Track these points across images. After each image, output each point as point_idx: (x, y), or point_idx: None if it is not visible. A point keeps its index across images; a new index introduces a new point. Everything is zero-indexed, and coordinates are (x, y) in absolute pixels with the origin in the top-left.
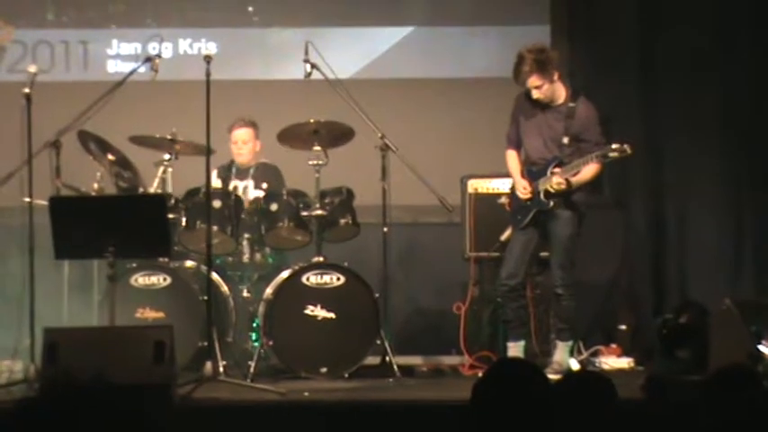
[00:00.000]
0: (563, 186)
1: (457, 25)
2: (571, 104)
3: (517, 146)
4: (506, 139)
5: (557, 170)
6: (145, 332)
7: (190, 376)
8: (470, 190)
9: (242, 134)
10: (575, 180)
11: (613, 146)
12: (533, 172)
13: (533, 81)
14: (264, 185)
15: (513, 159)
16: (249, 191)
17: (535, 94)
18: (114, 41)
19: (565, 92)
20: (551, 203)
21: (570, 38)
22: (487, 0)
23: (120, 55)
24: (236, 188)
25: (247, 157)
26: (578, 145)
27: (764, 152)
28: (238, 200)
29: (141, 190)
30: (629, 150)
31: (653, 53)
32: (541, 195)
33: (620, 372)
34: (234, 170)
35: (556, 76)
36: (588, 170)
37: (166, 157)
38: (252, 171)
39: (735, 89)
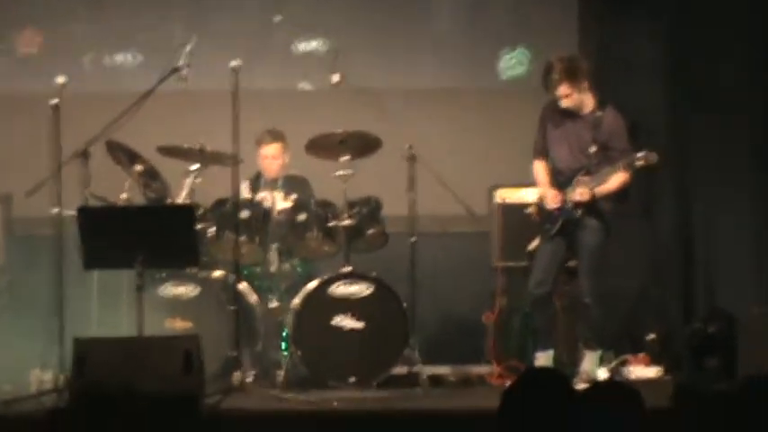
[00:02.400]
0: (586, 197)
1: (485, 39)
2: (599, 113)
3: (545, 156)
4: (533, 149)
5: (584, 179)
6: (173, 342)
7: (218, 386)
8: (498, 199)
9: (271, 149)
10: (599, 190)
11: (639, 154)
12: (560, 181)
13: (563, 89)
14: (293, 197)
15: (540, 169)
16: (278, 201)
17: (564, 103)
18: (142, 51)
19: (593, 101)
20: (579, 212)
21: (599, 46)
22: (517, 22)
23: (148, 65)
24: (264, 199)
25: (276, 171)
26: (605, 153)
27: None
28: (266, 210)
29: (169, 200)
30: (655, 159)
31: (681, 60)
32: (570, 204)
33: (649, 381)
34: (262, 182)
35: (585, 85)
36: (615, 179)
37: (194, 167)
38: (280, 183)
39: (764, 95)
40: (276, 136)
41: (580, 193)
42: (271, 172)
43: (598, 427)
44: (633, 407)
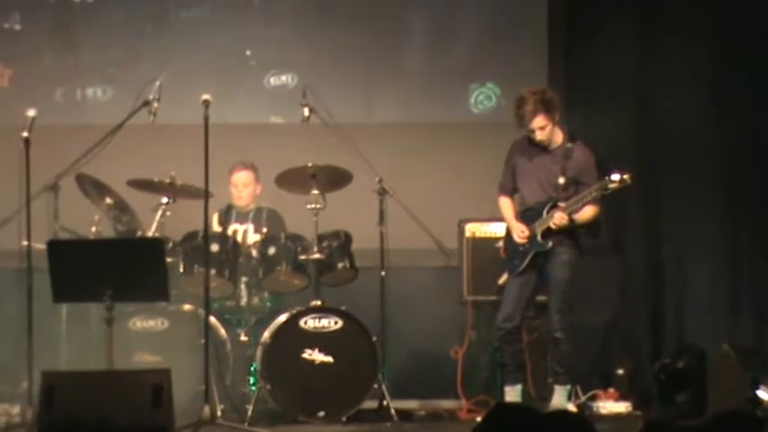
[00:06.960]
0: (565, 221)
1: (455, 74)
2: (569, 145)
3: (510, 193)
4: (499, 185)
5: (561, 205)
6: (143, 376)
7: (188, 420)
8: (468, 234)
9: (242, 177)
10: (576, 217)
11: (613, 176)
12: (528, 216)
13: (538, 121)
14: (264, 230)
15: (506, 206)
16: (249, 235)
17: (538, 136)
18: (112, 85)
19: (562, 135)
20: (550, 244)
21: (567, 84)
22: (485, 55)
23: (118, 100)
24: (235, 232)
25: (247, 200)
26: (575, 188)
27: (762, 195)
28: (236, 243)
29: (139, 233)
30: (628, 180)
31: (650, 95)
32: (539, 237)
33: (618, 416)
34: (233, 214)
35: (558, 118)
36: (586, 211)
37: (164, 200)
38: (251, 215)
39: (732, 130)
40: (248, 165)
41: (559, 218)
42: (242, 201)
43: None
44: None
